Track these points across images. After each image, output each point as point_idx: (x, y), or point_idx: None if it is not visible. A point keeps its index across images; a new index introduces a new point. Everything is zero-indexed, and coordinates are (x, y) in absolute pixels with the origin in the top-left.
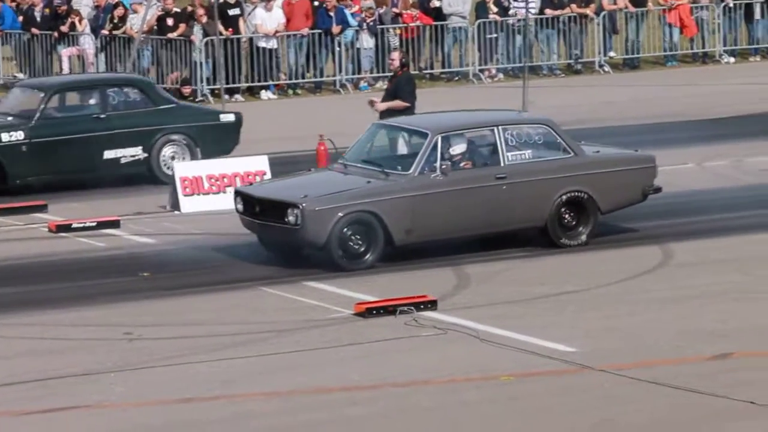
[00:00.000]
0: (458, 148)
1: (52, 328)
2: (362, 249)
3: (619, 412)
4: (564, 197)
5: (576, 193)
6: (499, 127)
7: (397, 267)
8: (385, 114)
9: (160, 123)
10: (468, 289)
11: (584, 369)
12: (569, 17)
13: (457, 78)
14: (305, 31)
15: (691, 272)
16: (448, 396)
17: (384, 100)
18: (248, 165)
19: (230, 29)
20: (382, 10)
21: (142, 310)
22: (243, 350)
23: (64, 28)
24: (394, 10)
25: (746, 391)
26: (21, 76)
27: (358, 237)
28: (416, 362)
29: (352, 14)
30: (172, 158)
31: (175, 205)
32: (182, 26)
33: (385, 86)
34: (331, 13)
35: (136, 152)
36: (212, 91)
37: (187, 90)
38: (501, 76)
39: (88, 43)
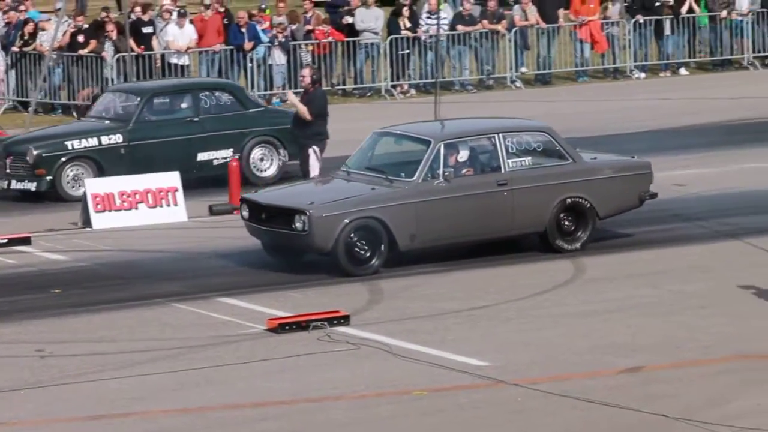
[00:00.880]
0: (460, 156)
1: None
2: (368, 254)
3: (532, 425)
4: (563, 203)
5: (575, 199)
6: (500, 135)
7: (310, 282)
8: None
9: (250, 126)
10: (381, 304)
11: (497, 383)
12: (481, 33)
13: (369, 94)
14: (217, 47)
15: (603, 287)
16: (361, 411)
17: (295, 115)
18: (160, 181)
19: (142, 47)
20: (294, 27)
21: (53, 327)
22: (155, 366)
23: None
24: (307, 26)
25: (658, 404)
26: None
27: (364, 243)
28: (329, 377)
29: (263, 30)
30: (261, 159)
31: (87, 222)
32: (93, 43)
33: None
34: (243, 30)
35: (228, 154)
36: None
37: None
38: (413, 91)
39: None
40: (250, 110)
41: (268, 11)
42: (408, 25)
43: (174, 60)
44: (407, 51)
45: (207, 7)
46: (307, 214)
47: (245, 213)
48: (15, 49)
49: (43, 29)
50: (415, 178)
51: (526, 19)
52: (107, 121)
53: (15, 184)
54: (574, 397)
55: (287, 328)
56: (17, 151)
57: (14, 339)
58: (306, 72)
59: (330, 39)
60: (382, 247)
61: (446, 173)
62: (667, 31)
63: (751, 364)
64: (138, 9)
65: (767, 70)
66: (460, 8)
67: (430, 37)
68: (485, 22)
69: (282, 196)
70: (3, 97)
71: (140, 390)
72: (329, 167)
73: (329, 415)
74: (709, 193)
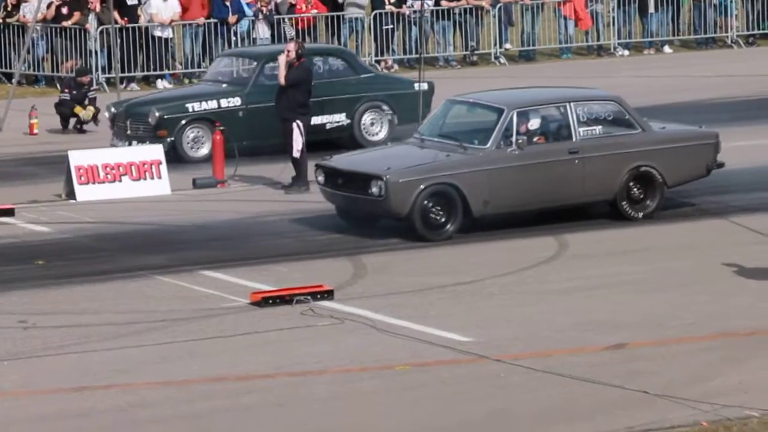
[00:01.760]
0: (532, 124)
1: None
2: (442, 220)
3: (514, 401)
4: (633, 171)
5: (644, 168)
6: (572, 103)
7: (294, 257)
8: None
9: (361, 91)
10: (364, 279)
11: (480, 359)
12: (465, 9)
13: None
14: (201, 20)
15: (586, 263)
16: (344, 385)
17: (279, 90)
18: (143, 154)
19: (125, 19)
20: (279, 0)
21: (36, 299)
22: (137, 339)
23: None
24: (290, 0)
25: (640, 380)
26: None
27: (439, 208)
28: (312, 351)
29: (248, 4)
30: (372, 124)
31: (71, 194)
32: (77, 14)
33: None
34: (227, 3)
35: (340, 118)
36: (107, 80)
37: (85, 79)
38: (397, 66)
39: None
40: (362, 75)
41: None
42: (392, 0)
43: (158, 33)
44: (391, 26)
45: None
46: (384, 179)
47: (320, 178)
48: None
49: (26, 0)
50: (488, 145)
51: None
52: (225, 85)
53: (136, 145)
54: (556, 374)
55: (271, 301)
56: (139, 113)
57: None
58: (291, 46)
59: (314, 12)
60: (457, 212)
61: (519, 141)
62: (651, 8)
63: (733, 342)
64: None
65: (751, 49)
66: None
67: (415, 12)
68: None
69: (358, 161)
70: None
71: (123, 362)
72: None
73: (312, 389)
74: None
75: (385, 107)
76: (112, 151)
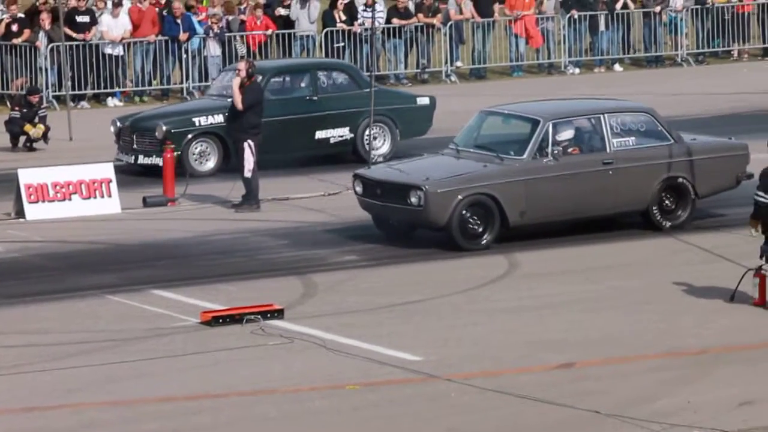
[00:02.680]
0: (567, 135)
1: None
2: (480, 230)
3: (465, 421)
4: (665, 182)
5: (676, 179)
6: (605, 115)
7: (244, 276)
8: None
9: (365, 105)
10: (314, 298)
11: (430, 378)
12: (416, 27)
13: None
14: (152, 38)
15: (536, 282)
16: (294, 405)
17: (230, 107)
18: (94, 172)
19: (84, 33)
20: (230, 18)
21: None
22: (87, 359)
23: None
24: (241, 16)
25: (591, 400)
26: None
27: (476, 218)
28: (263, 371)
29: (199, 22)
30: (375, 138)
31: (20, 213)
32: (27, 32)
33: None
34: (178, 21)
35: (344, 133)
36: (57, 98)
37: (35, 98)
38: None
39: None
40: (366, 90)
41: (204, 2)
42: (343, 17)
43: (108, 50)
44: (342, 44)
45: None
46: (423, 189)
47: (359, 188)
48: None
49: None
50: (525, 156)
51: (461, 13)
52: (230, 99)
53: (142, 159)
54: (507, 393)
55: (221, 321)
56: (145, 127)
57: None
58: (242, 65)
59: (269, 31)
60: (494, 222)
61: (555, 152)
62: (602, 26)
63: (683, 361)
64: None
65: (701, 67)
66: (395, 1)
67: (366, 29)
68: (420, 15)
69: (396, 172)
70: None
71: (73, 382)
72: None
73: (262, 409)
74: None
75: (388, 122)
76: (62, 170)
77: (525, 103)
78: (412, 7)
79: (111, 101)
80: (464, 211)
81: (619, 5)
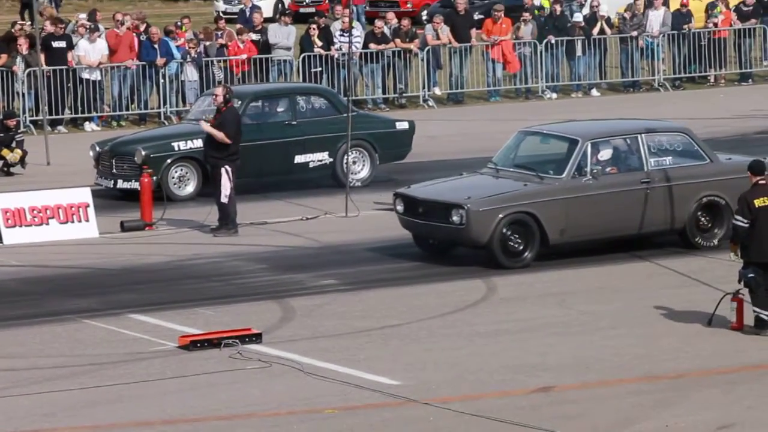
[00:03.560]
0: (605, 154)
1: None
2: (521, 248)
3: None
4: (702, 201)
5: (713, 198)
6: (643, 135)
7: (222, 300)
8: (207, 142)
9: (344, 130)
10: (292, 322)
11: (409, 402)
12: (393, 51)
13: None
14: (129, 62)
15: (514, 306)
16: (273, 429)
17: (208, 135)
18: (71, 197)
19: (71, 58)
20: (208, 44)
21: None
22: (65, 383)
23: None
24: (220, 41)
25: (568, 424)
26: None
27: (517, 236)
28: (240, 396)
29: (178, 47)
30: (354, 163)
31: None
32: (4, 56)
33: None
34: (156, 46)
35: (323, 157)
36: (35, 122)
37: (12, 123)
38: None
39: None
40: (344, 114)
41: (183, 28)
42: (320, 43)
43: (85, 75)
44: (320, 68)
45: (121, 23)
46: (465, 208)
47: (399, 207)
48: None
49: None
50: (564, 175)
51: (438, 38)
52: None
53: (121, 184)
54: (485, 417)
55: (199, 345)
56: (124, 152)
57: None
58: (219, 91)
59: (243, 56)
60: (534, 241)
61: (594, 171)
62: (579, 51)
63: (660, 385)
64: (48, 24)
65: (678, 92)
66: (372, 26)
67: (343, 54)
68: (398, 40)
69: (438, 191)
70: None
71: (50, 406)
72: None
73: None
74: None
75: (367, 146)
76: (39, 194)
77: (563, 123)
78: (388, 32)
79: (88, 126)
80: (505, 230)
81: (595, 30)
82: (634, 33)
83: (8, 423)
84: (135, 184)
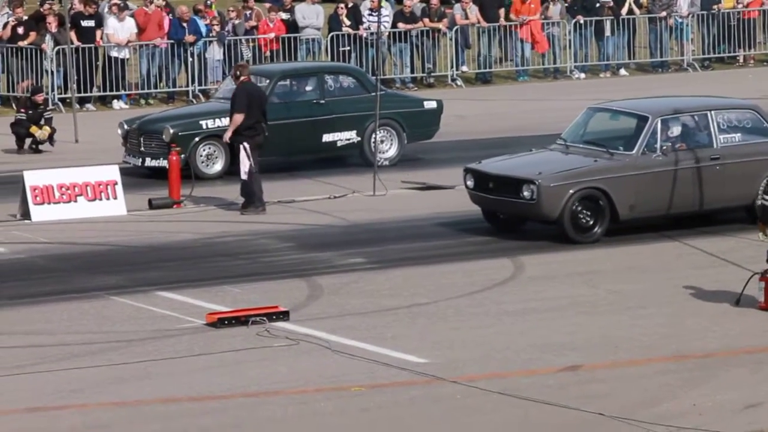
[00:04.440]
0: (675, 131)
1: None
2: (590, 223)
3: (470, 423)
4: None
5: None
6: (712, 112)
7: (250, 278)
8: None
9: (372, 109)
10: (320, 300)
11: (436, 380)
12: (422, 31)
13: None
14: (158, 41)
15: (542, 285)
16: (300, 407)
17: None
18: (99, 174)
19: (99, 37)
20: (236, 22)
21: None
22: (93, 359)
23: None
24: (250, 23)
25: (595, 402)
26: None
27: (587, 212)
28: (267, 373)
29: (206, 26)
30: (382, 141)
31: (26, 214)
32: (33, 34)
33: None
34: (184, 24)
35: (351, 136)
36: (63, 100)
37: (39, 98)
38: None
39: None
40: (372, 93)
41: (213, 6)
42: (348, 22)
43: (114, 53)
44: (348, 48)
45: (150, 1)
46: (536, 183)
47: (470, 182)
48: None
49: None
50: (634, 151)
51: (467, 18)
52: None
53: (149, 162)
54: (512, 395)
55: (226, 322)
56: (152, 130)
57: None
58: (232, 71)
59: (270, 34)
60: (604, 216)
61: (664, 147)
62: (608, 32)
63: (688, 365)
64: (77, 2)
65: (706, 72)
66: (401, 5)
67: (372, 34)
68: (426, 20)
69: (509, 166)
70: None
71: (78, 383)
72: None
73: (268, 411)
74: None
75: (395, 125)
76: (68, 172)
77: (632, 100)
78: (418, 11)
79: (117, 104)
80: (576, 205)
81: (624, 10)
82: (663, 13)
83: (36, 399)
84: (163, 162)
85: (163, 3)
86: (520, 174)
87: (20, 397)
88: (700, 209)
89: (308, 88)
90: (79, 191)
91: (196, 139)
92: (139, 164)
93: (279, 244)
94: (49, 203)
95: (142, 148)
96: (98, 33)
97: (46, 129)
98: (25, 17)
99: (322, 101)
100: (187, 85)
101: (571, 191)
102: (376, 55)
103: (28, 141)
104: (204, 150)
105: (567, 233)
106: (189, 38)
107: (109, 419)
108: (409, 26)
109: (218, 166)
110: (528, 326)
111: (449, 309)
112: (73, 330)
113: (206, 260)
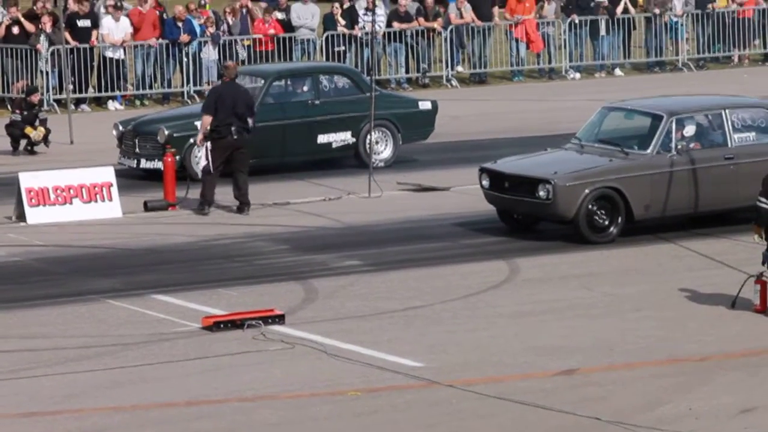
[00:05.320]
0: (689, 130)
1: None
2: (606, 223)
3: (466, 427)
4: None
5: None
6: (727, 110)
7: (245, 281)
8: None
9: (367, 109)
10: (315, 303)
11: (431, 384)
12: (417, 31)
13: None
14: (153, 41)
15: (537, 288)
16: (295, 411)
17: None
18: (95, 176)
19: (90, 40)
20: (232, 21)
21: None
22: (88, 363)
23: None
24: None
25: (591, 406)
26: None
27: (603, 212)
28: (263, 377)
29: (200, 25)
30: (377, 143)
31: (21, 216)
32: (33, 27)
33: None
34: (179, 24)
35: (346, 137)
36: (58, 101)
37: (35, 98)
38: None
39: None
40: (367, 94)
41: (207, 6)
42: (343, 21)
43: (109, 53)
44: (343, 48)
45: (144, 0)
46: (552, 183)
47: (485, 182)
48: None
49: None
50: (649, 150)
51: (462, 18)
52: None
53: (144, 163)
54: (508, 399)
55: (222, 326)
56: (147, 131)
57: None
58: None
59: (271, 31)
60: (620, 216)
61: (678, 146)
62: (603, 31)
63: (684, 368)
64: (71, 2)
65: (701, 72)
66: (396, 5)
67: (367, 33)
68: (421, 19)
69: (524, 166)
70: None
71: (73, 387)
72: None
73: (263, 415)
74: None
75: (390, 126)
76: (63, 173)
77: (647, 99)
78: (412, 10)
79: (112, 104)
80: (591, 205)
81: (619, 9)
82: (657, 10)
83: (31, 403)
84: (158, 164)
85: (156, 2)
86: (535, 174)
87: (16, 401)
88: (716, 209)
89: (303, 89)
90: (75, 193)
91: (192, 140)
92: (135, 166)
93: (274, 246)
94: (44, 205)
95: (137, 150)
96: (94, 33)
97: (41, 130)
98: (20, 16)
99: (317, 102)
100: (182, 86)
101: (586, 191)
102: (371, 55)
103: (23, 142)
104: (199, 151)
105: (582, 233)
106: (184, 38)
107: (105, 424)
108: (403, 26)
109: None
110: (523, 329)
111: (445, 312)
112: (69, 334)
113: (202, 263)
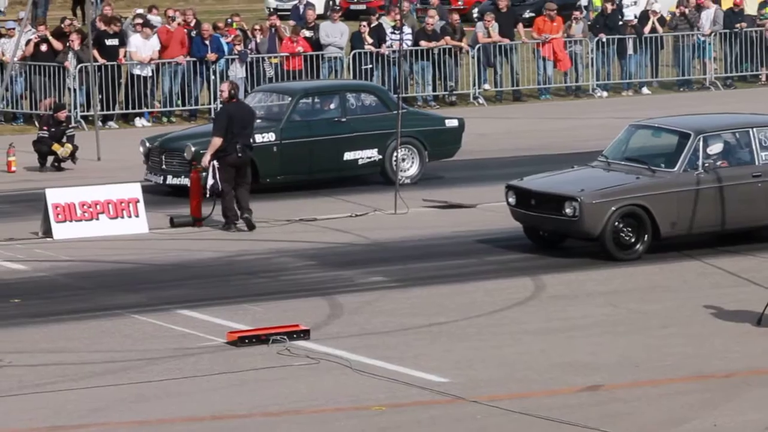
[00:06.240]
0: (716, 148)
1: None
2: (632, 240)
3: None
4: None
5: None
6: (754, 129)
7: (270, 296)
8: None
9: (393, 127)
10: (340, 319)
11: (457, 400)
12: (443, 49)
13: None
14: (180, 58)
15: (563, 304)
16: (320, 426)
17: None
18: (121, 192)
19: (122, 55)
20: (258, 40)
21: (12, 337)
22: (114, 378)
23: None
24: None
25: (617, 423)
26: None
27: (629, 229)
28: (288, 392)
29: (227, 43)
30: (403, 160)
31: (48, 232)
32: (60, 45)
33: None
34: (207, 42)
35: (372, 154)
36: (85, 118)
37: (62, 115)
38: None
39: None
40: (394, 111)
41: (234, 25)
42: (371, 40)
43: (137, 71)
44: (370, 65)
45: (172, 19)
46: (579, 200)
47: (512, 199)
48: None
49: (9, 36)
50: (676, 168)
51: (489, 36)
52: (259, 120)
53: (171, 180)
54: (533, 415)
55: (247, 341)
56: (174, 148)
57: None
58: (224, 87)
59: (300, 48)
60: (646, 233)
61: (706, 164)
62: (630, 50)
63: (709, 385)
64: (100, 23)
65: (729, 91)
66: (423, 24)
67: (394, 52)
68: (448, 38)
69: (551, 183)
70: None
71: (99, 401)
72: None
73: (288, 430)
74: None
75: (416, 143)
76: (90, 189)
77: (674, 117)
78: (439, 29)
79: (139, 122)
80: (617, 222)
81: (647, 29)
82: (685, 31)
83: (57, 417)
84: (185, 180)
85: (184, 20)
86: (562, 191)
87: (42, 415)
88: (743, 227)
89: (330, 107)
90: (101, 209)
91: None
92: (161, 182)
93: (300, 262)
94: (71, 221)
95: (164, 166)
96: (121, 51)
97: (68, 146)
98: (48, 35)
99: (344, 119)
100: (209, 103)
101: (613, 208)
102: (398, 73)
103: (50, 159)
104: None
105: (609, 250)
106: (211, 56)
107: None
108: (431, 44)
109: None
110: (549, 346)
111: (470, 328)
112: (94, 348)
113: (227, 278)
